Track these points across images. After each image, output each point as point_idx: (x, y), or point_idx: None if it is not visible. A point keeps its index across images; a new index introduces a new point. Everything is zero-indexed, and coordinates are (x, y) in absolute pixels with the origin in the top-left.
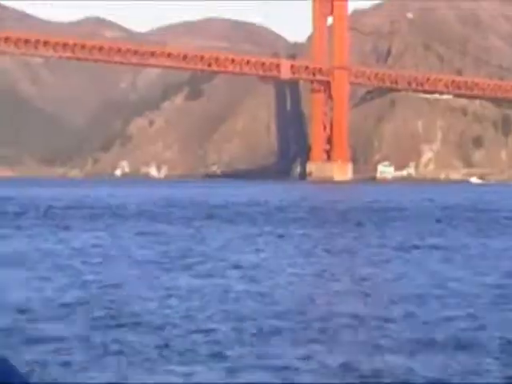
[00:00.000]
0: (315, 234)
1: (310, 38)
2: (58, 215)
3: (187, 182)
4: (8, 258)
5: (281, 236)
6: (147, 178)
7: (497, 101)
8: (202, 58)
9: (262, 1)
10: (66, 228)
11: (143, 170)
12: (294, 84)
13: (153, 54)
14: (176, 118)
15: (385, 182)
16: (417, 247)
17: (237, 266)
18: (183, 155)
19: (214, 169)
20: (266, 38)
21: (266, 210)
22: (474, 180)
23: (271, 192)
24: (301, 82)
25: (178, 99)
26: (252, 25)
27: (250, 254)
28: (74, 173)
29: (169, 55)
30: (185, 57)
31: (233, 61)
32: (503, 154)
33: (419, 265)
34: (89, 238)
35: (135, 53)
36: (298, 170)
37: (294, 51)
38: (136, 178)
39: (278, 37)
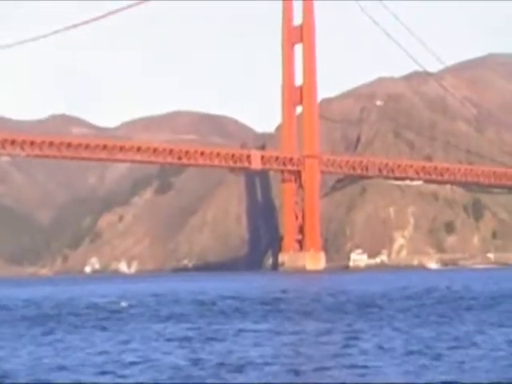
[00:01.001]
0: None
1: (278, 128)
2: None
3: (163, 276)
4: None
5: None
6: (117, 274)
7: (467, 185)
8: (171, 151)
9: (229, 92)
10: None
11: (113, 265)
12: (264, 174)
13: (121, 148)
14: (146, 212)
15: (358, 270)
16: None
17: None
18: (153, 249)
19: (185, 262)
20: (233, 130)
21: (256, 302)
22: (433, 265)
23: (254, 284)
24: (271, 172)
25: (148, 193)
26: (219, 117)
27: None
28: (44, 271)
29: (138, 149)
30: (154, 150)
31: (202, 153)
32: (475, 239)
33: None
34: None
35: (104, 148)
36: (269, 260)
37: (263, 141)
38: (106, 275)
39: (246, 128)
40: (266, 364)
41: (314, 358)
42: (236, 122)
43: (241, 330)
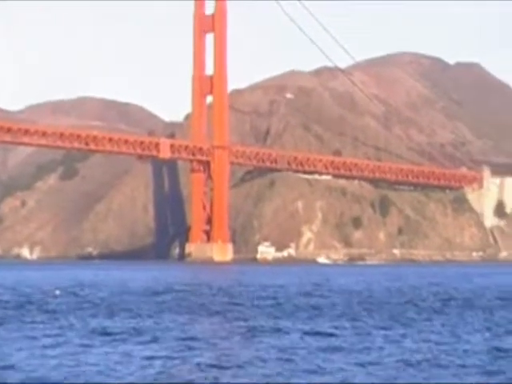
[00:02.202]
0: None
1: (187, 117)
2: None
3: (67, 263)
4: None
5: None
6: (19, 260)
7: (375, 181)
8: (78, 136)
9: (136, 79)
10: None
11: (15, 251)
12: (172, 164)
13: (26, 132)
14: (49, 197)
15: (265, 262)
16: None
17: None
18: (57, 236)
19: (90, 250)
20: (141, 117)
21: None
22: (322, 260)
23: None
24: (179, 162)
25: (52, 179)
26: (126, 104)
27: None
28: None
29: (43, 133)
30: (61, 135)
31: (110, 140)
32: (381, 235)
33: None
34: None
35: (8, 131)
36: (176, 250)
37: (172, 130)
38: (8, 260)
39: (154, 116)
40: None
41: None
42: (143, 109)
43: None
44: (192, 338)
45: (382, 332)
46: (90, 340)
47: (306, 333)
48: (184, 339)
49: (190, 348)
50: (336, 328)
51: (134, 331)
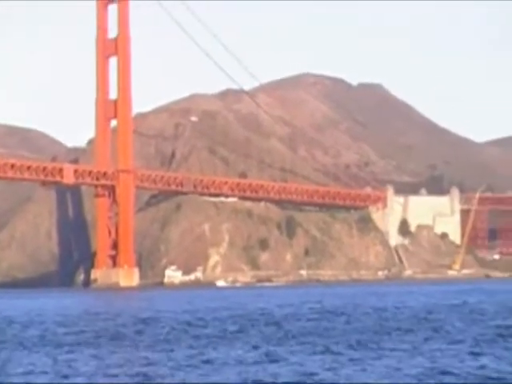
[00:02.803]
0: None
1: (90, 142)
2: None
3: None
4: None
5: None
6: None
7: (281, 203)
8: None
9: (38, 105)
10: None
11: None
12: (75, 189)
13: None
14: None
15: (172, 286)
16: None
17: None
18: None
19: None
20: (43, 144)
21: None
22: (221, 283)
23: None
24: (83, 187)
25: None
26: (28, 130)
27: None
28: None
29: None
30: None
31: (12, 166)
32: (288, 256)
33: None
34: None
35: None
36: (81, 277)
37: (76, 156)
38: None
39: (56, 142)
40: None
41: None
42: (45, 135)
43: None
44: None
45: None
46: None
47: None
48: None
49: None
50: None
51: None
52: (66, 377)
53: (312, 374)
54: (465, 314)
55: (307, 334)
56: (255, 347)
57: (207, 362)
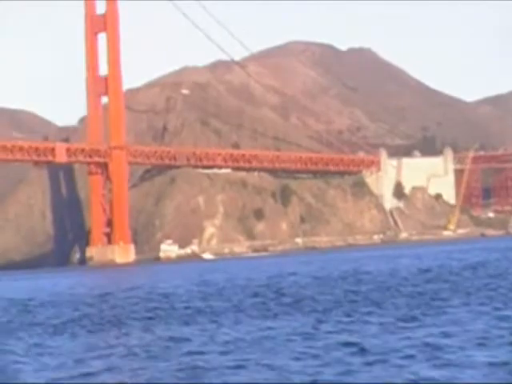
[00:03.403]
0: None
1: (82, 120)
2: None
3: None
4: None
5: None
6: None
7: (275, 172)
8: None
9: (26, 85)
10: None
11: None
12: (68, 168)
13: None
14: None
15: (169, 260)
16: None
17: None
18: None
19: None
20: (33, 124)
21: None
22: (207, 256)
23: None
24: (76, 165)
25: None
26: (17, 111)
27: None
28: None
29: None
30: None
31: (4, 147)
32: (283, 225)
33: None
34: None
35: None
36: (77, 255)
37: (67, 135)
38: None
39: (46, 122)
40: None
41: None
42: (35, 116)
43: None
44: None
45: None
46: None
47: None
48: None
49: None
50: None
51: None
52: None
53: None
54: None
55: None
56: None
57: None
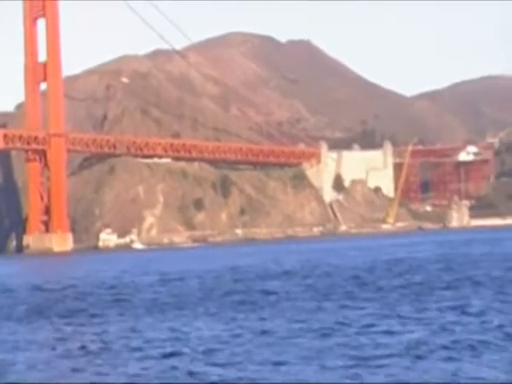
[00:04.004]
0: None
1: (19, 106)
2: None
3: None
4: None
5: None
6: None
7: (215, 162)
8: None
9: None
10: None
11: None
12: (5, 155)
13: None
14: None
15: (108, 250)
16: None
17: None
18: None
19: None
20: None
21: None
22: (138, 245)
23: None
24: (12, 153)
25: None
26: None
27: None
28: None
29: None
30: None
31: None
32: (223, 216)
33: None
34: None
35: None
36: (13, 243)
37: (3, 120)
38: None
39: None
40: None
41: None
42: None
43: None
44: None
45: None
46: None
47: None
48: None
49: None
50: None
51: None
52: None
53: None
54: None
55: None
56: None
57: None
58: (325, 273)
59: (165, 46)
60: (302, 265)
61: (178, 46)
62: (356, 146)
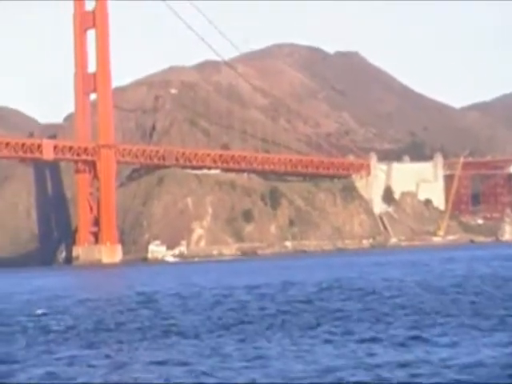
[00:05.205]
0: None
1: (68, 118)
2: None
3: None
4: None
5: None
6: None
7: (264, 173)
8: None
9: (9, 83)
10: None
11: None
12: (54, 165)
13: None
14: None
15: (157, 262)
16: None
17: None
18: None
19: None
20: (17, 121)
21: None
22: (170, 259)
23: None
24: (62, 164)
25: None
26: (1, 108)
27: None
28: None
29: None
30: None
31: None
32: (272, 227)
33: None
34: None
35: None
36: (63, 254)
37: (54, 132)
38: None
39: (30, 119)
40: None
41: None
42: (19, 113)
43: None
44: None
45: None
46: None
47: None
48: None
49: None
50: None
51: None
52: None
53: None
54: None
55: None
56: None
57: None
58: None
59: (213, 57)
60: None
61: (227, 57)
62: (406, 158)
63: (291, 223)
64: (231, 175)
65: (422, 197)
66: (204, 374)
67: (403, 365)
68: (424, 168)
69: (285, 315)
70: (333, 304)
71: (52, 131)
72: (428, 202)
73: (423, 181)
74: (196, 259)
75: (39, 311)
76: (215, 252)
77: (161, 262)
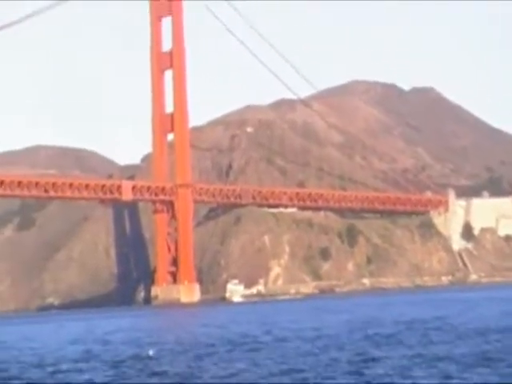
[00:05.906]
0: None
1: (145, 159)
2: None
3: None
4: None
5: None
6: None
7: (341, 211)
8: (37, 184)
9: (87, 125)
10: None
11: None
12: (132, 206)
13: None
14: (6, 250)
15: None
16: None
17: None
18: (16, 289)
19: (51, 300)
20: (95, 163)
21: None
22: (237, 299)
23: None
24: (140, 204)
25: (8, 230)
26: (79, 150)
27: None
28: None
29: (1, 183)
30: (18, 184)
31: (71, 185)
32: (350, 265)
33: None
34: None
35: None
36: (142, 294)
37: (131, 172)
38: None
39: (108, 160)
40: None
41: None
42: (96, 154)
43: None
44: None
45: None
46: None
47: None
48: None
49: None
50: None
51: None
52: None
53: None
54: None
55: None
56: None
57: None
58: None
59: (288, 95)
60: None
61: (302, 95)
62: (485, 194)
63: (369, 260)
64: (308, 213)
65: (501, 233)
66: None
67: None
68: (503, 203)
69: None
70: None
71: (130, 172)
72: (508, 238)
73: (503, 216)
74: (268, 298)
75: (150, 352)
76: (293, 290)
77: (232, 303)
